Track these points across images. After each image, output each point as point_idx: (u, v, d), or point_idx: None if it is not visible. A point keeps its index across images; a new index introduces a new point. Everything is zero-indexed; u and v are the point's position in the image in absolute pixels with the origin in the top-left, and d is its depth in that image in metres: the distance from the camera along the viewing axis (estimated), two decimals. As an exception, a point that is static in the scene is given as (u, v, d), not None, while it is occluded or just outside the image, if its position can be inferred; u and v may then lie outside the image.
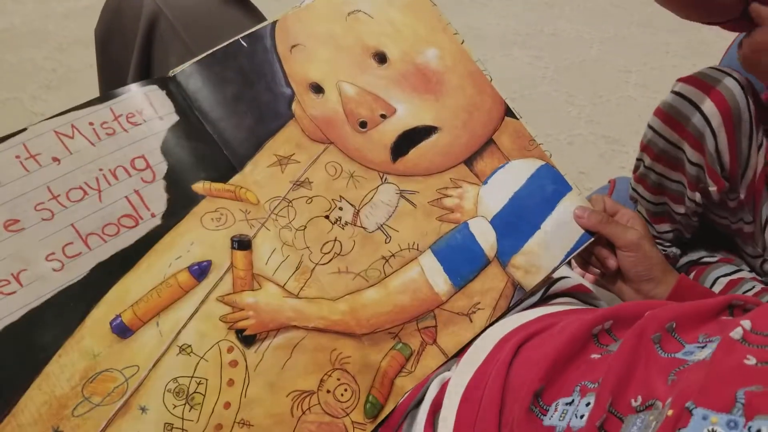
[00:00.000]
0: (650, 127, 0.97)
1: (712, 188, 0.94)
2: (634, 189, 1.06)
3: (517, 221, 0.78)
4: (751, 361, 0.47)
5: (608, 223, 0.78)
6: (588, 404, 0.55)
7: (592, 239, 0.80)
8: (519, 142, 0.83)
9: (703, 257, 1.07)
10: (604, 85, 2.12)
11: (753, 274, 1.03)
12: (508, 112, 0.84)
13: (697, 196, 0.97)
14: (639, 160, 1.02)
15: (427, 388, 0.71)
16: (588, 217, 0.79)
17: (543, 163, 0.82)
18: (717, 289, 1.02)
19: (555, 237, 0.79)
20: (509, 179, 0.81)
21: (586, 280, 0.98)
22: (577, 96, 2.08)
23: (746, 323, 0.51)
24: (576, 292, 0.83)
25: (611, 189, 1.17)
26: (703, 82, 0.91)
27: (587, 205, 0.80)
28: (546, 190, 0.81)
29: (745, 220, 0.99)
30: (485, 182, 0.80)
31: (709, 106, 0.89)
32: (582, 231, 0.80)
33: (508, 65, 2.21)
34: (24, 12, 2.26)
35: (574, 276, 0.86)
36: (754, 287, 0.99)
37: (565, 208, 0.80)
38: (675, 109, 0.93)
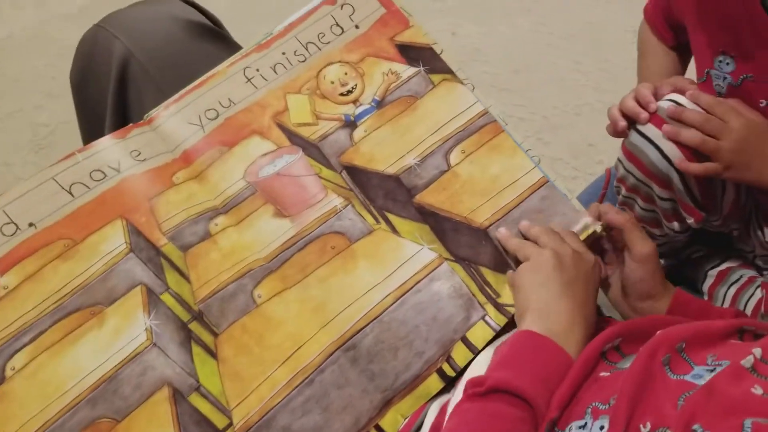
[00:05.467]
0: (620, 161, 0.94)
1: (690, 220, 0.92)
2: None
3: None
4: (758, 391, 0.48)
5: (634, 226, 0.77)
6: (602, 428, 0.55)
7: (603, 232, 0.78)
8: None
9: (692, 254, 1.06)
10: (611, 48, 2.07)
11: (740, 261, 1.02)
12: None
13: (676, 225, 0.95)
14: (617, 187, 0.99)
15: (426, 413, 0.72)
16: (616, 213, 0.77)
17: None
18: (708, 282, 1.01)
19: None
20: None
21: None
22: (583, 62, 2.04)
23: (757, 351, 0.52)
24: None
25: (607, 179, 1.15)
26: (662, 120, 0.87)
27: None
28: None
29: (733, 226, 0.97)
30: None
31: (669, 147, 0.86)
32: None
33: (512, 36, 2.17)
34: (23, 18, 2.26)
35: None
36: (741, 276, 0.98)
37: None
38: (637, 149, 0.89)
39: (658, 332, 0.62)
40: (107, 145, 0.74)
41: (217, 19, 0.87)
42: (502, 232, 0.76)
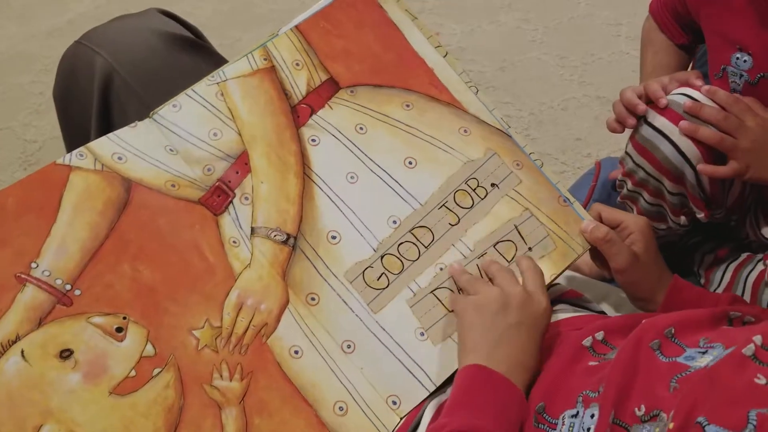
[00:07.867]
0: (629, 155, 0.91)
1: (700, 215, 0.90)
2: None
3: None
4: (762, 380, 0.49)
5: (607, 241, 0.77)
6: (593, 416, 0.56)
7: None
8: None
9: (687, 240, 1.06)
10: (595, 43, 2.08)
11: (737, 245, 1.02)
12: None
13: (682, 220, 0.93)
14: (622, 182, 0.96)
15: (423, 413, 0.72)
16: (591, 231, 0.78)
17: None
18: (706, 263, 1.01)
19: None
20: None
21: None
22: (568, 57, 2.04)
23: (758, 338, 0.52)
24: (567, 298, 0.83)
25: (597, 173, 1.14)
26: (676, 114, 0.84)
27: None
28: None
29: (732, 218, 0.97)
30: None
31: (685, 143, 0.84)
32: None
33: (496, 33, 2.17)
34: (7, 36, 2.25)
35: (563, 282, 0.86)
36: (741, 255, 0.98)
37: None
38: (650, 143, 0.86)
39: (644, 320, 0.63)
40: None
41: (198, 30, 0.87)
42: (454, 267, 0.75)
